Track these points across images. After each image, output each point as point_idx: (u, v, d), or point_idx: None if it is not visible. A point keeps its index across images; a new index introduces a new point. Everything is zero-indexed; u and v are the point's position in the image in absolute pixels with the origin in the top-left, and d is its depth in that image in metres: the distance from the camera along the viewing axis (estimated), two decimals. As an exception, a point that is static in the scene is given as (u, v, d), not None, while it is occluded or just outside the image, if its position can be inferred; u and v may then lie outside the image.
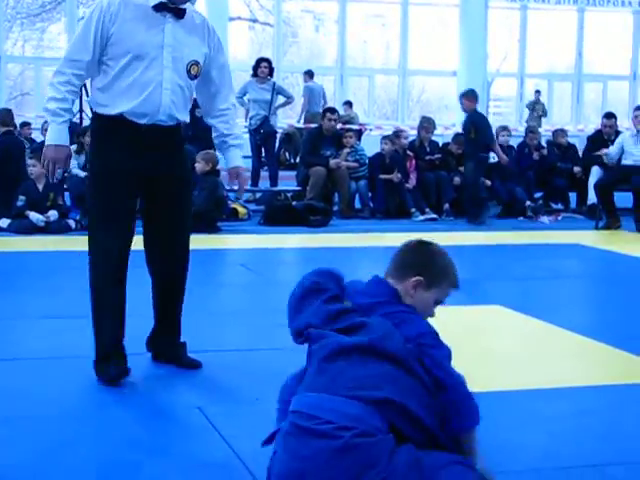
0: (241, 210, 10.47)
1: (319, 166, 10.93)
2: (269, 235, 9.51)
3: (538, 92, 19.69)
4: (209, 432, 3.34)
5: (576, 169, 12.01)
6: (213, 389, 3.94)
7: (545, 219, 11.35)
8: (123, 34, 3.85)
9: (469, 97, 10.85)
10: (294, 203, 10.97)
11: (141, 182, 3.99)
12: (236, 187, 4.26)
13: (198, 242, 9.07)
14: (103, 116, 3.96)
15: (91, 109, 4.20)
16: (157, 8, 3.90)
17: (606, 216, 10.66)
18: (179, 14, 3.94)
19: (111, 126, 3.94)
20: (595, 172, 11.42)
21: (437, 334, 2.83)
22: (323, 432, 2.52)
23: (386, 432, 2.56)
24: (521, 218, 11.39)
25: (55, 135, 3.91)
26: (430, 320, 2.93)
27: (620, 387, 4.15)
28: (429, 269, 2.95)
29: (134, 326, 4.12)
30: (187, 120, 4.14)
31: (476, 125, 10.73)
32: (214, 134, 4.28)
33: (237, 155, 4.28)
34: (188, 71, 3.98)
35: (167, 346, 4.25)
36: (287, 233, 9.44)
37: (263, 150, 12.72)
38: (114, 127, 3.93)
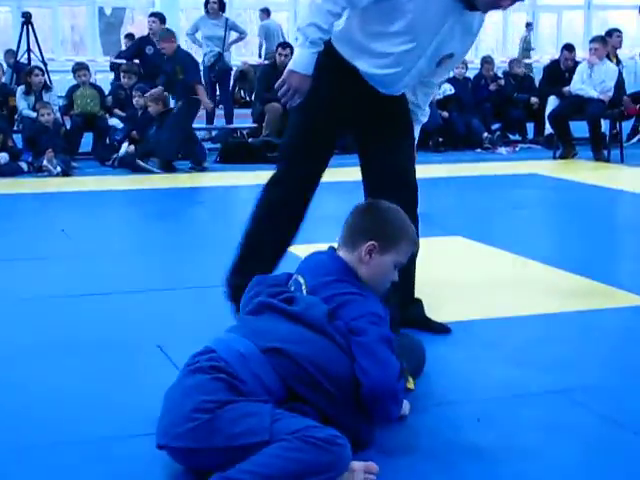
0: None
1: (274, 102, 10.77)
2: (226, 173, 9.41)
3: (529, 25, 19.19)
4: (168, 368, 3.28)
5: (533, 100, 11.97)
6: (173, 327, 3.88)
7: (503, 150, 11.31)
8: (414, 6, 3.39)
9: (166, 38, 9.96)
10: (250, 140, 10.85)
11: (358, 118, 3.74)
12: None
13: (160, 181, 8.93)
14: (340, 57, 3.62)
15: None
16: None
17: (562, 146, 10.66)
18: (472, 8, 3.47)
19: (342, 67, 3.61)
20: (552, 102, 11.38)
21: (378, 315, 2.63)
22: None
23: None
24: (479, 150, 11.33)
25: (305, 63, 3.46)
26: None
27: (582, 313, 4.15)
28: (382, 231, 2.76)
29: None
30: None
31: (183, 65, 9.81)
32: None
33: (416, 131, 3.94)
34: (438, 62, 3.63)
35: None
36: (244, 170, 9.29)
37: (218, 88, 12.55)
38: (345, 68, 3.61)
